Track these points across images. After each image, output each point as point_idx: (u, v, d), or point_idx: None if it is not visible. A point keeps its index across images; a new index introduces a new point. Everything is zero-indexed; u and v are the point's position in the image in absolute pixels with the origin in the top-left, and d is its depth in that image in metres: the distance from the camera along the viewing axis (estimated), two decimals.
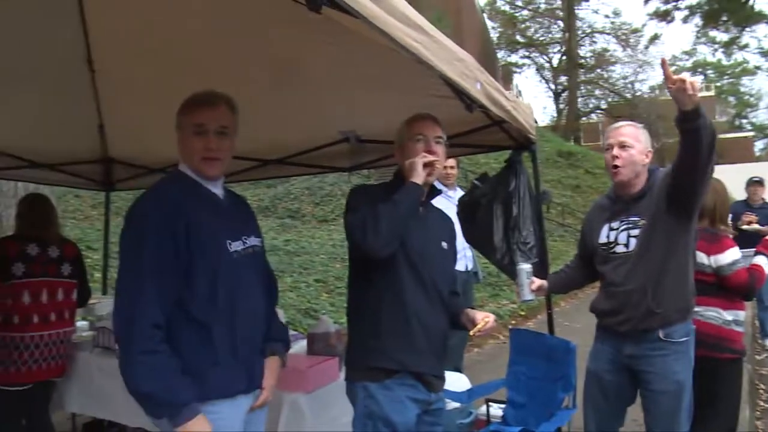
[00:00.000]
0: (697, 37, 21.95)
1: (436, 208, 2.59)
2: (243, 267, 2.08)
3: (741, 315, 3.35)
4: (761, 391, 5.69)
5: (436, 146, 2.36)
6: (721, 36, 20.38)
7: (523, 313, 8.89)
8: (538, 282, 3.04)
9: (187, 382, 1.88)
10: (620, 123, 2.92)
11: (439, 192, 2.54)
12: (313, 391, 2.88)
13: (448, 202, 4.09)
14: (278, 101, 3.31)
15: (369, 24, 1.65)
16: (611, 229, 2.87)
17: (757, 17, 17.14)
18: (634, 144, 2.77)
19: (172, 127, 2.11)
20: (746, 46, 24.76)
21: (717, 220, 3.38)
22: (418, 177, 2.25)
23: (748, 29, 19.03)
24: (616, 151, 2.77)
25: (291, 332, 3.13)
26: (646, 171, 2.83)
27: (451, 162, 5.07)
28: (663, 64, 2.28)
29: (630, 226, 2.79)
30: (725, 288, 3.26)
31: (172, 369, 1.86)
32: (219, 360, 1.98)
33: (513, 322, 7.96)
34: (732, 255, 3.24)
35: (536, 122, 3.38)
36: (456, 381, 3.72)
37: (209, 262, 1.97)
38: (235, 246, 2.07)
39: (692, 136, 2.35)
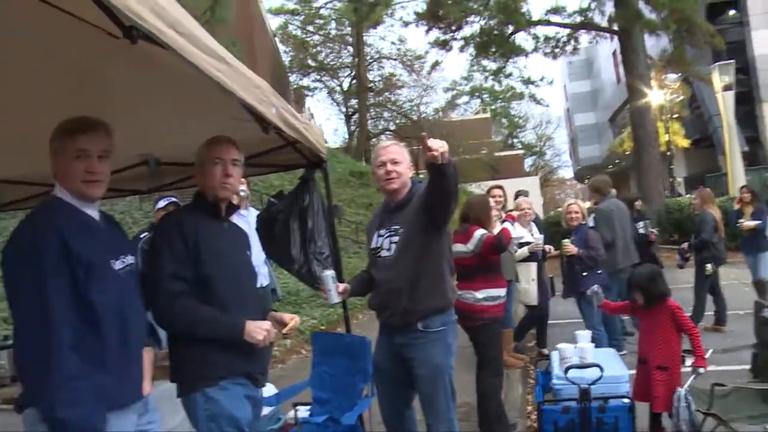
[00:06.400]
0: (471, 65, 24.33)
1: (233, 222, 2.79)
2: (125, 284, 2.16)
3: (492, 292, 4.24)
4: None
5: (232, 168, 2.58)
6: (491, 65, 22.81)
7: (323, 327, 9.28)
8: (342, 286, 3.30)
9: (103, 409, 1.95)
10: (388, 142, 3.38)
11: (237, 207, 2.77)
12: None
13: (241, 220, 4.26)
14: None
15: (178, 56, 1.81)
16: (379, 236, 3.27)
17: (519, 51, 19.81)
18: (401, 160, 3.23)
19: None
20: (510, 74, 28.45)
21: (484, 221, 4.40)
22: (248, 338, 2.42)
23: (511, 60, 21.74)
24: (390, 166, 3.20)
25: None
26: (410, 182, 3.29)
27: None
28: (423, 139, 2.64)
29: (392, 233, 3.20)
30: (485, 260, 4.23)
31: (94, 395, 1.90)
32: (112, 373, 2.04)
33: None
34: (479, 233, 4.22)
35: (327, 143, 3.74)
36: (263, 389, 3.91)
37: (99, 283, 2.02)
38: (117, 265, 2.15)
39: (442, 178, 2.80)
